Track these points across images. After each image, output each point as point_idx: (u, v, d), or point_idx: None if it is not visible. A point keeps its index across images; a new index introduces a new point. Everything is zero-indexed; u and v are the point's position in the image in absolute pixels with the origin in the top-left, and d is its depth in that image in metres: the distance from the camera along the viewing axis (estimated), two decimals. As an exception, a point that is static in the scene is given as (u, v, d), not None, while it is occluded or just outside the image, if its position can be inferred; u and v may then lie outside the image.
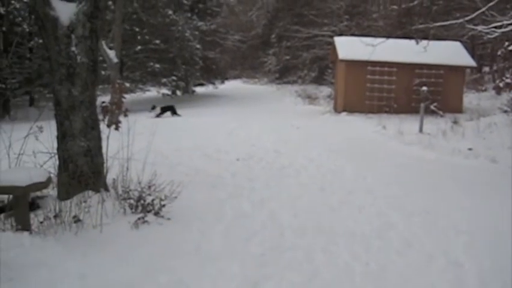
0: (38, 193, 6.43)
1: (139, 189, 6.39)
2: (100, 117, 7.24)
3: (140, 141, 7.62)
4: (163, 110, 21.58)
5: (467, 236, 6.27)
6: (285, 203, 7.46)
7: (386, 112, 20.61)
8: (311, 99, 29.37)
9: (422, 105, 16.44)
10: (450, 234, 6.36)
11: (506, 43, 18.78)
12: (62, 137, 6.53)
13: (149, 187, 6.42)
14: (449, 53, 21.48)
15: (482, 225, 6.69)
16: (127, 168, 6.83)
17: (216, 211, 6.89)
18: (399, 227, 6.61)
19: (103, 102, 8.14)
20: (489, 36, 13.68)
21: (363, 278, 4.97)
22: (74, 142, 6.51)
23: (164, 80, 28.89)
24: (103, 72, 21.93)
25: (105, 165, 7.01)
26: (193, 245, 5.61)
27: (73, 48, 6.40)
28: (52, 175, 6.58)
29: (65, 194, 6.40)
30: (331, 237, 6.06)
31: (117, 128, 7.91)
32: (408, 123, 16.87)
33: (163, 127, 15.43)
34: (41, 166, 6.65)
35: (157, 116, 20.74)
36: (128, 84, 25.16)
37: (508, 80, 17.42)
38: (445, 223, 6.78)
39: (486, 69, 32.32)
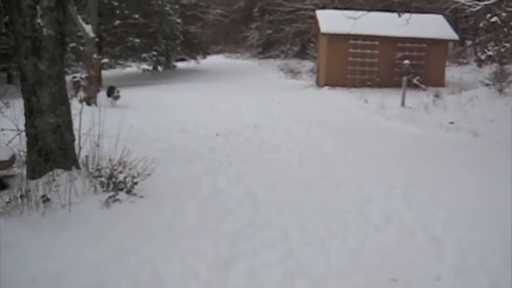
0: (5, 172, 6.18)
1: (110, 166, 6.16)
2: (72, 92, 6.96)
3: (117, 117, 7.35)
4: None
5: (448, 211, 6.16)
6: (262, 178, 7.29)
7: (368, 86, 20.44)
8: (293, 73, 29.08)
9: (404, 79, 16.31)
10: (430, 209, 6.25)
11: (489, 15, 18.66)
12: (29, 113, 6.24)
13: (120, 164, 6.18)
14: (432, 26, 21.29)
15: (463, 199, 6.59)
16: (97, 145, 6.57)
17: (191, 188, 6.69)
18: (378, 201, 6.49)
19: (74, 77, 7.88)
20: (472, 9, 13.48)
21: (339, 255, 4.82)
22: (42, 118, 6.22)
23: (144, 55, 28.35)
24: (81, 48, 21.45)
25: (77, 142, 6.75)
26: (165, 223, 5.42)
27: (38, 20, 6.08)
28: (22, 153, 6.36)
29: (33, 172, 6.15)
30: (308, 214, 5.90)
31: (89, 104, 7.67)
32: (390, 97, 16.74)
33: (143, 103, 15.16)
34: (7, 144, 6.38)
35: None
36: (106, 60, 24.68)
37: (490, 53, 17.33)
38: (426, 197, 6.67)
39: (469, 42, 32.22)
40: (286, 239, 5.19)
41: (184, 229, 5.30)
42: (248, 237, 5.19)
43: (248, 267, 4.50)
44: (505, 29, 17.99)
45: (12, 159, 5.64)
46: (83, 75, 8.46)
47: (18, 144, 6.49)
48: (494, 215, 5.99)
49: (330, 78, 21.25)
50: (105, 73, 27.14)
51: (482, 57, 19.01)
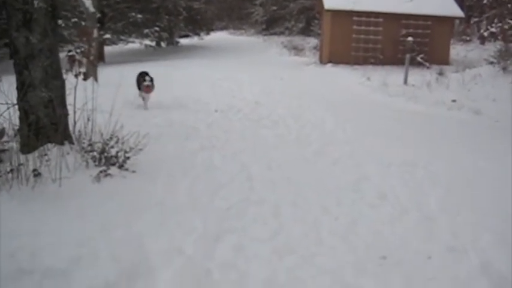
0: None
1: (102, 141, 6.09)
2: (67, 67, 6.86)
3: (118, 93, 7.24)
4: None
5: (443, 189, 6.08)
6: (259, 155, 7.21)
7: (372, 63, 20.26)
8: (297, 50, 28.87)
9: (407, 56, 16.11)
10: (426, 186, 6.17)
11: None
12: (21, 87, 6.15)
13: (111, 138, 6.10)
14: (437, 3, 21.01)
15: (460, 178, 6.51)
16: (88, 120, 6.49)
17: (185, 164, 6.62)
18: (375, 179, 6.41)
19: (69, 51, 7.76)
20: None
21: (330, 233, 4.76)
22: (34, 93, 6.12)
23: (147, 31, 28.08)
24: (83, 23, 21.26)
25: (72, 116, 6.67)
26: (156, 198, 5.35)
27: (29, -8, 5.97)
28: (17, 127, 6.29)
29: (25, 147, 6.07)
30: (302, 191, 5.83)
31: (85, 79, 7.57)
32: (394, 75, 16.60)
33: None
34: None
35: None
36: (108, 36, 24.45)
37: (493, 29, 17.07)
38: (423, 175, 6.59)
39: (475, 20, 31.84)
40: (278, 215, 5.12)
41: (175, 205, 5.23)
42: (239, 213, 5.13)
43: (236, 243, 4.44)
44: (510, 5, 17.67)
45: (1, 133, 5.56)
46: (79, 50, 8.34)
47: (13, 118, 6.41)
48: (489, 194, 5.91)
49: (333, 55, 21.05)
50: (107, 49, 26.98)
51: (485, 34, 18.72)
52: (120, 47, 30.47)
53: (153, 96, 10.70)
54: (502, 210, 5.36)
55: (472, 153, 7.65)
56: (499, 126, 9.82)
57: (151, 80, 10.47)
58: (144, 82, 10.37)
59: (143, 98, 10.63)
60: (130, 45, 31.22)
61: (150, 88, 10.50)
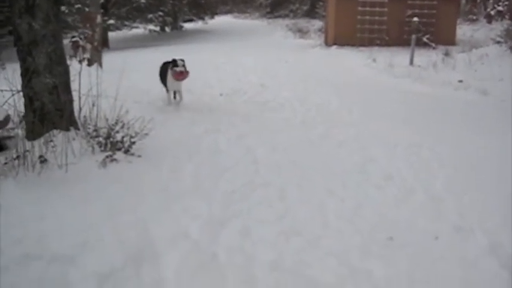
0: (4, 133, 6.12)
1: (107, 126, 6.08)
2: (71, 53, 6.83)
3: (122, 78, 7.22)
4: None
5: (450, 170, 6.05)
6: (264, 138, 7.17)
7: (377, 45, 20.11)
8: (302, 33, 28.71)
9: (413, 37, 15.99)
10: (432, 168, 6.14)
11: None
12: (26, 73, 6.14)
13: (116, 123, 6.09)
14: (443, -18, 20.79)
15: (466, 159, 6.47)
16: (93, 105, 6.49)
17: (191, 148, 6.60)
18: (380, 161, 6.38)
19: (73, 37, 7.73)
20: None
21: (336, 215, 4.74)
22: (38, 79, 6.10)
23: (151, 16, 28.00)
24: (86, 9, 21.18)
25: (77, 102, 6.66)
26: (161, 183, 5.34)
27: (31, -23, 5.94)
28: (22, 114, 6.29)
29: (31, 133, 6.07)
30: (307, 173, 5.81)
31: (89, 64, 7.56)
32: (399, 56, 16.49)
33: (148, 64, 14.98)
34: (2, 105, 6.29)
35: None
36: (112, 21, 24.36)
37: (500, 8, 16.89)
38: (429, 156, 6.56)
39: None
40: (283, 198, 5.11)
41: (180, 189, 5.22)
42: (244, 196, 5.11)
43: (242, 226, 4.43)
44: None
45: (6, 120, 5.56)
46: (82, 36, 8.30)
47: (18, 105, 6.40)
48: (496, 174, 5.88)
49: (339, 37, 20.90)
50: (111, 35, 26.92)
51: (492, 12, 18.52)
52: (124, 32, 30.39)
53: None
54: (509, 190, 5.32)
55: (479, 134, 7.60)
56: (506, 106, 9.73)
57: (184, 64, 8.81)
58: (175, 68, 8.69)
59: (168, 91, 9.18)
60: (135, 31, 31.15)
61: (183, 74, 8.82)
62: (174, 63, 8.78)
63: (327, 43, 22.18)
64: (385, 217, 4.74)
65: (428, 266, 3.92)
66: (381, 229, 4.48)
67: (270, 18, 43.79)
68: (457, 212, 4.86)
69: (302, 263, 3.89)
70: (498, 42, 14.86)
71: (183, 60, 8.84)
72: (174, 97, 9.35)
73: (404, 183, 5.62)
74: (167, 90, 9.21)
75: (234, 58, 17.07)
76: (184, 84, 10.17)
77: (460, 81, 12.27)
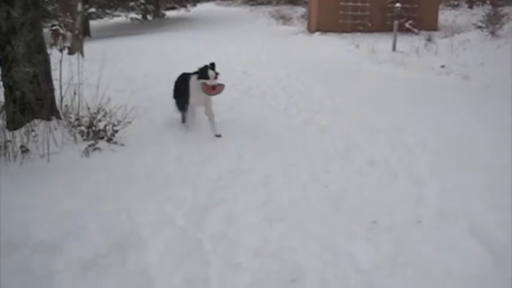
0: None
1: (89, 115, 6.04)
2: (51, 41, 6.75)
3: (104, 67, 7.14)
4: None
5: (433, 154, 6.09)
6: (247, 124, 7.18)
7: (360, 31, 20.11)
8: (285, 19, 28.63)
9: (395, 22, 16.03)
10: (415, 152, 6.18)
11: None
12: (5, 62, 6.06)
13: (98, 112, 6.05)
14: (426, -33, 20.80)
15: (449, 143, 6.51)
16: (74, 94, 6.42)
17: (174, 136, 6.59)
18: (364, 146, 6.41)
19: (53, 25, 7.63)
20: None
21: (320, 200, 4.77)
22: (18, 68, 6.02)
23: (132, 3, 27.72)
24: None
25: (58, 92, 6.59)
26: (145, 171, 5.33)
27: (9, -35, 5.85)
28: (2, 104, 6.21)
29: (12, 123, 6.01)
30: (291, 159, 5.83)
31: (70, 53, 7.49)
32: (382, 42, 16.51)
33: (131, 53, 14.92)
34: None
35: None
36: (93, 9, 24.10)
37: (482, -8, 16.94)
38: (412, 141, 6.59)
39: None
40: (267, 184, 5.13)
41: (165, 177, 5.22)
42: (229, 183, 5.12)
43: (226, 213, 4.44)
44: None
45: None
46: (62, 24, 8.17)
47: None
48: (478, 158, 5.93)
49: (321, 24, 20.88)
50: (92, 23, 26.64)
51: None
52: (106, 21, 30.06)
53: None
54: (492, 174, 5.38)
55: (461, 119, 7.65)
56: (488, 90, 9.81)
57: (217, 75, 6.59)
58: (204, 80, 6.49)
59: (186, 110, 6.97)
60: (116, 19, 30.83)
61: (218, 88, 6.65)
62: (203, 72, 6.54)
63: (310, 30, 22.16)
64: (368, 201, 4.77)
65: (411, 249, 3.95)
66: (365, 213, 4.51)
67: (252, 5, 43.49)
68: (439, 196, 4.89)
69: (286, 248, 3.91)
70: (479, 27, 14.89)
71: (214, 67, 6.63)
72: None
73: (388, 168, 5.65)
74: (182, 108, 7.10)
75: (216, 46, 17.01)
76: (168, 72, 10.11)
77: (442, 66, 12.32)
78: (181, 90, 7.04)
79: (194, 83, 6.64)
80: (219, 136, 6.58)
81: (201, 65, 6.64)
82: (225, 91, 8.60)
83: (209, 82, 6.47)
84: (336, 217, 4.45)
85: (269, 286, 3.40)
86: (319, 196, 4.87)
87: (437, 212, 4.57)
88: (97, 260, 3.57)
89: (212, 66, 6.63)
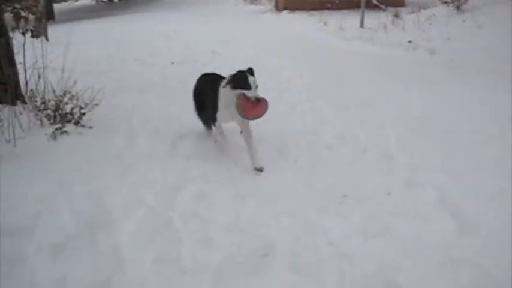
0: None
1: (55, 98, 5.93)
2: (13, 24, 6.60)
3: (69, 50, 7.00)
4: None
5: (402, 128, 6.16)
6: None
7: (328, 8, 20.14)
8: (252, -1, 28.55)
9: (363, -1, 16.09)
10: (385, 126, 6.24)
11: None
12: (-36, 46, 5.93)
13: (64, 94, 5.94)
14: None
15: (417, 117, 6.59)
16: (39, 77, 6.29)
17: (143, 116, 6.52)
18: (333, 122, 6.46)
19: (14, 8, 7.45)
20: None
21: (291, 176, 4.81)
22: (-22, 52, 5.91)
23: (97, -15, 27.34)
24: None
25: (24, 76, 6.45)
26: (115, 153, 5.26)
27: None
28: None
29: (-27, 109, 5.88)
30: (261, 137, 5.81)
31: (33, 36, 7.34)
32: (350, 19, 16.58)
33: (96, 35, 14.69)
34: None
35: None
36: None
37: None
38: (381, 116, 6.66)
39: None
40: (238, 162, 5.12)
41: (135, 157, 5.16)
42: (200, 162, 5.10)
43: (198, 191, 4.44)
44: None
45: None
46: (24, 7, 7.97)
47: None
48: (445, 131, 6.02)
49: (289, 2, 20.85)
50: (56, 6, 26.13)
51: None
52: (70, 3, 29.56)
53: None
54: (458, 146, 5.48)
55: (429, 93, 7.75)
56: (453, 64, 9.93)
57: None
58: (242, 89, 4.90)
59: (214, 125, 5.49)
60: (81, 2, 30.33)
61: (261, 107, 5.00)
62: (240, 81, 4.94)
63: (278, 8, 22.10)
64: (338, 176, 4.81)
65: (381, 220, 4.01)
66: (335, 187, 4.55)
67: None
68: (408, 168, 4.97)
69: (258, 223, 3.93)
70: (445, 2, 15.01)
71: (252, 73, 5.19)
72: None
73: (357, 143, 5.70)
74: (208, 124, 5.72)
75: (185, 27, 16.89)
76: (136, 54, 9.94)
77: (410, 41, 12.43)
78: (205, 100, 5.61)
79: (226, 94, 5.07)
80: (259, 170, 4.88)
81: (234, 70, 5.15)
82: (193, 71, 8.53)
83: (251, 93, 4.87)
84: (307, 192, 4.49)
85: (241, 261, 3.42)
86: (290, 171, 4.90)
87: (406, 183, 4.65)
88: (68, 242, 3.53)
89: (250, 71, 5.17)
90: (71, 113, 5.88)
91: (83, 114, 5.93)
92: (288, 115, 6.74)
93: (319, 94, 7.76)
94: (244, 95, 4.89)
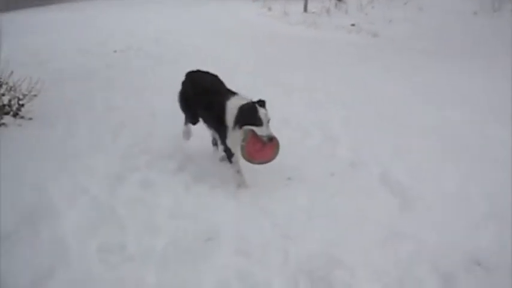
0: None
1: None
2: None
3: (6, 40, 6.78)
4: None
5: (345, 109, 6.27)
6: (160, 91, 7.03)
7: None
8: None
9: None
10: (328, 108, 6.33)
11: None
12: None
13: (1, 85, 5.77)
14: None
15: (359, 98, 6.71)
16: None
17: (85, 106, 6.41)
18: (278, 105, 6.39)
19: None
20: None
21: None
22: None
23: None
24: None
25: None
26: (56, 143, 5.15)
27: None
28: None
29: None
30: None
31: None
32: (294, 4, 16.63)
33: (39, 25, 14.27)
34: None
35: None
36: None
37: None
38: (324, 98, 6.74)
39: None
40: (184, 148, 5.09)
41: (77, 148, 5.06)
42: (144, 149, 5.06)
43: (142, 179, 4.40)
44: None
45: None
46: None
47: None
48: (386, 110, 6.15)
49: (233, -12, 20.71)
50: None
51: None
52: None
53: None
54: (400, 125, 5.61)
55: (371, 74, 7.89)
56: (395, 46, 10.13)
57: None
58: (256, 125, 4.07)
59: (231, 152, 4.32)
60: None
61: (270, 151, 4.26)
62: (249, 115, 4.08)
63: (222, -6, 21.95)
64: (283, 159, 4.82)
65: (325, 200, 4.08)
66: (279, 170, 4.57)
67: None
68: (351, 148, 5.07)
69: (203, 207, 3.94)
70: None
71: (264, 105, 4.33)
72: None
73: (301, 126, 5.75)
74: (233, 161, 4.35)
75: (128, 15, 16.58)
76: (78, 43, 9.69)
77: (353, 25, 12.61)
78: (202, 114, 4.71)
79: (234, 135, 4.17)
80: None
81: (242, 100, 4.33)
82: (137, 58, 8.41)
83: (262, 131, 4.07)
84: (251, 175, 4.48)
85: (185, 246, 3.41)
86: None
87: (350, 163, 4.74)
88: (9, 235, 3.45)
89: (262, 103, 4.29)
90: (9, 105, 5.72)
91: (22, 105, 5.78)
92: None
93: (264, 78, 7.78)
94: (252, 132, 4.07)
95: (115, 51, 10.18)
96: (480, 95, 6.96)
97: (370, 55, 9.62)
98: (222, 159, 4.69)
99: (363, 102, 6.55)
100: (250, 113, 4.04)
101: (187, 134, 5.01)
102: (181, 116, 5.04)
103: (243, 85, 7.30)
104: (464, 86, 7.48)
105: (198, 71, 5.21)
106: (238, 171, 4.30)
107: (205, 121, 4.64)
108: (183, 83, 5.08)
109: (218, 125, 4.29)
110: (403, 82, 7.42)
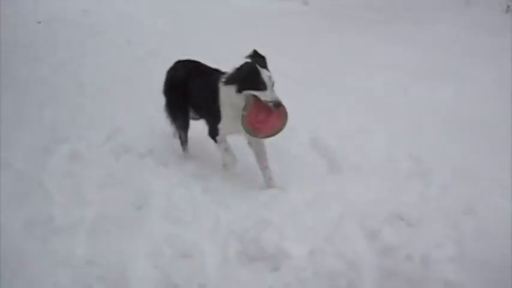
0: None
1: None
2: None
3: None
4: None
5: (279, 78, 6.26)
6: (88, 62, 6.90)
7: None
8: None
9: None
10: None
11: None
12: None
13: None
14: None
15: (292, 66, 6.71)
16: None
17: (9, 79, 6.12)
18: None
19: None
20: None
21: (164, 130, 4.75)
22: None
23: None
24: None
25: None
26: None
27: None
28: None
29: None
30: (136, 91, 5.73)
31: None
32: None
33: None
34: None
35: None
36: None
37: None
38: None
39: None
40: (113, 119, 5.00)
41: (1, 120, 4.85)
42: (72, 121, 4.96)
43: (70, 151, 4.30)
44: None
45: None
46: None
47: None
48: (318, 76, 6.25)
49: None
50: None
51: None
52: None
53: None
54: (331, 94, 5.71)
55: (303, 43, 7.94)
56: (326, 15, 10.22)
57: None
58: (259, 90, 3.54)
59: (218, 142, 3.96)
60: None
61: (278, 120, 3.76)
62: (248, 77, 3.58)
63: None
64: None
65: (254, 165, 4.08)
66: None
67: None
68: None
69: (133, 177, 3.91)
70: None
71: (265, 63, 3.86)
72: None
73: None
74: (218, 140, 3.94)
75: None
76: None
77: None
78: (193, 102, 4.20)
79: (228, 96, 3.68)
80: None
81: (237, 59, 3.81)
82: (64, 30, 8.01)
83: (266, 96, 3.52)
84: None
85: (116, 215, 3.39)
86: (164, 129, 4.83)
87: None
88: None
89: (262, 62, 3.77)
90: None
91: None
92: (161, 68, 6.62)
93: (198, 48, 7.65)
94: (255, 99, 3.52)
95: (39, 22, 9.74)
96: (404, 60, 7.19)
97: (301, 23, 9.65)
98: (175, 136, 4.41)
99: (294, 70, 6.58)
100: (252, 75, 3.45)
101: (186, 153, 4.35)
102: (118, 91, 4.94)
103: (172, 54, 7.13)
104: (390, 50, 7.69)
105: (186, 60, 4.69)
106: (226, 149, 3.85)
107: (196, 110, 4.19)
108: (170, 76, 4.55)
109: (210, 105, 3.78)
110: (334, 51, 7.51)
